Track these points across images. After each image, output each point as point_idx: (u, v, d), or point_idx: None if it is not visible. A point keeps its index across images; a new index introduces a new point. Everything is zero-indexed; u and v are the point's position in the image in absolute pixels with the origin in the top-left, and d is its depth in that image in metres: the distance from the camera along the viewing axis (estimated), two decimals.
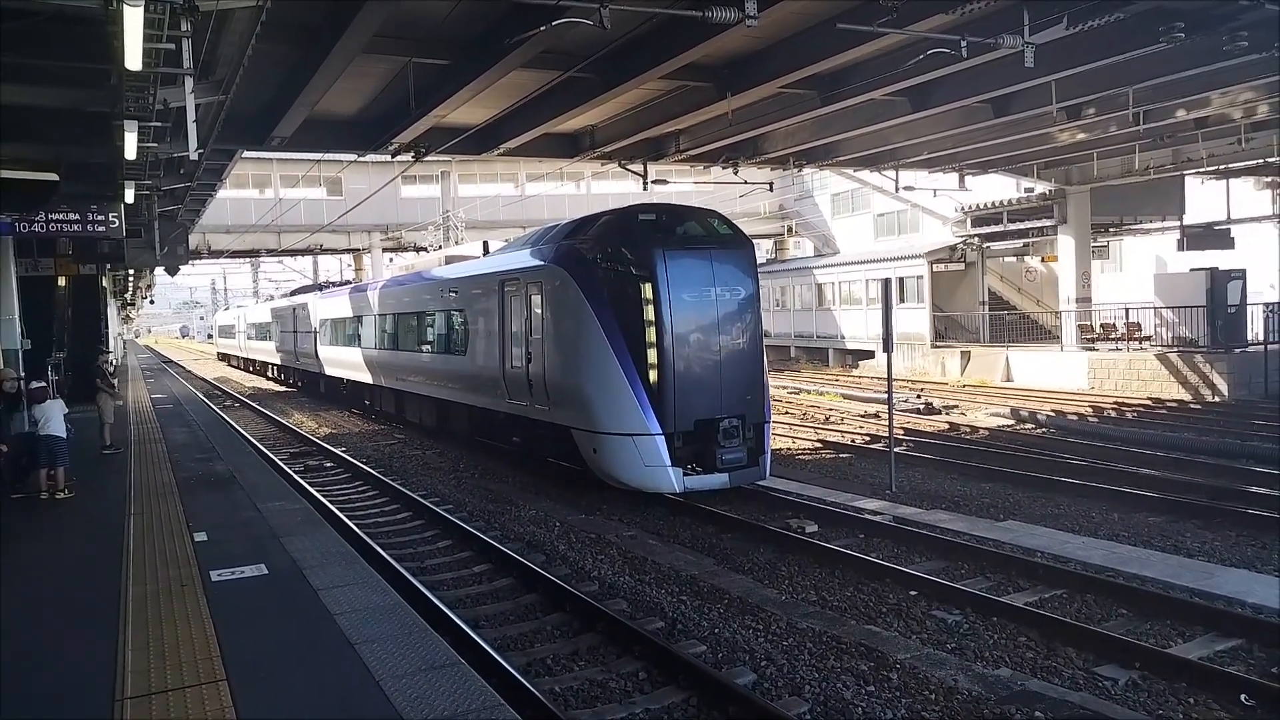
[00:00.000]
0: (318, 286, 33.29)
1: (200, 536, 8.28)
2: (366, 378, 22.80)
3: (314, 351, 28.13)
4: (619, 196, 36.53)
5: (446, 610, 7.57)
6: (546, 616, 7.90)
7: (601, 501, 12.08)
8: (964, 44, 11.63)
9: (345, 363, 24.67)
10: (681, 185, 31.10)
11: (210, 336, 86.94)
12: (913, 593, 8.17)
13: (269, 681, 4.92)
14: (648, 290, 11.20)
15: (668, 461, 10.90)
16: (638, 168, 20.75)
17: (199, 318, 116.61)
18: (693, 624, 7.55)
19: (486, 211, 38.27)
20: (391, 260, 39.84)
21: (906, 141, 20.48)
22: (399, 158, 17.89)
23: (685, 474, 11.00)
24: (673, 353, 11.07)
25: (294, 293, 35.38)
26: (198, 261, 42.87)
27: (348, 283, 31.52)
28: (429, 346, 18.06)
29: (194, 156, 12.79)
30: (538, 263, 13.03)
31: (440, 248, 34.55)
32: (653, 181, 20.69)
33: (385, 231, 40.30)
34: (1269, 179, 28.15)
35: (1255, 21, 12.44)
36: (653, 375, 11.08)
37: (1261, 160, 22.53)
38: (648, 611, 7.90)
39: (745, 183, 22.54)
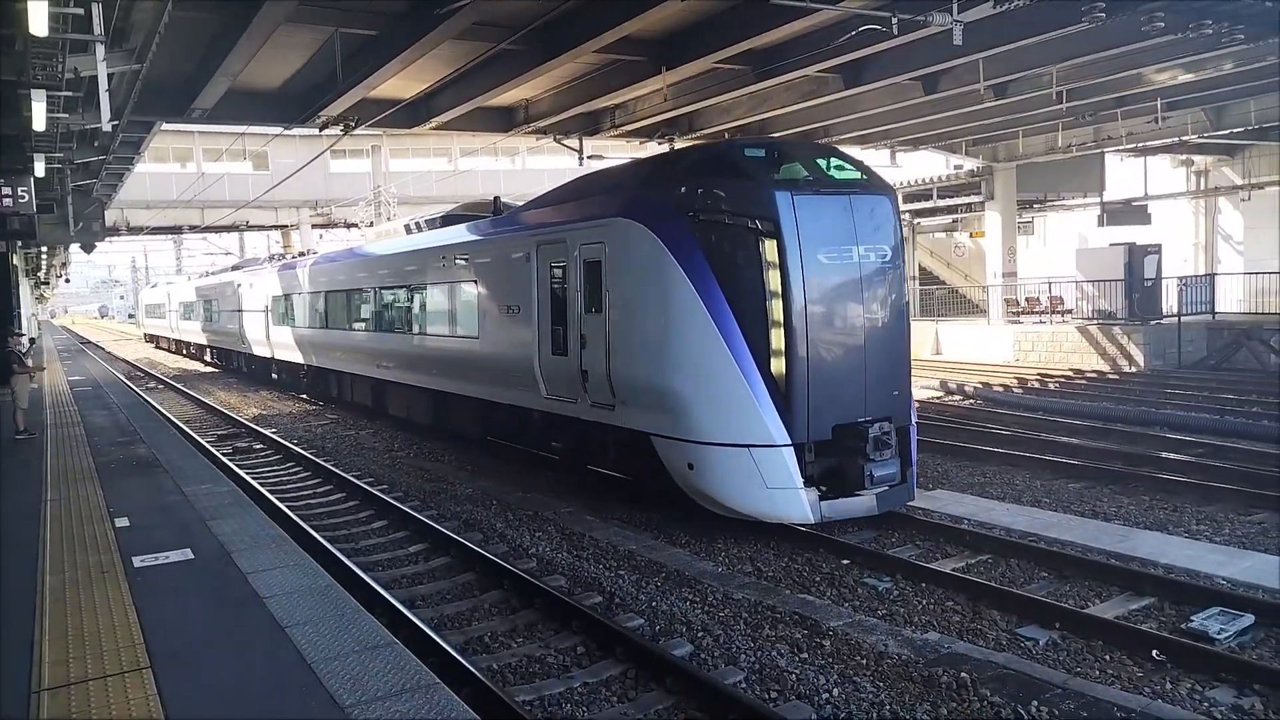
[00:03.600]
0: (268, 258, 29.07)
1: (121, 522, 8.01)
2: (335, 364, 19.82)
3: (264, 334, 24.65)
4: (554, 172, 36.22)
5: (382, 590, 7.49)
6: (484, 595, 7.88)
7: (540, 479, 12.04)
8: (895, 21, 11.76)
9: (306, 346, 21.47)
10: (619, 160, 30.95)
11: (132, 316, 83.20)
12: (845, 561, 8.35)
13: (196, 667, 4.80)
14: (770, 249, 8.52)
15: (799, 481, 8.45)
16: (573, 142, 20.59)
17: (119, 297, 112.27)
18: (631, 598, 7.60)
19: (420, 186, 37.58)
20: (321, 237, 38.89)
21: (840, 118, 20.70)
22: (327, 131, 17.45)
23: (820, 497, 8.58)
24: (806, 335, 8.49)
25: (237, 266, 31.61)
26: (116, 238, 41.32)
27: (308, 253, 26.81)
28: (425, 327, 15.02)
29: (107, 128, 12.27)
30: (597, 217, 10.03)
31: (371, 224, 33.77)
32: (588, 157, 20.54)
33: (314, 207, 39.33)
34: (1184, 156, 29.24)
35: (1171, 3, 12.84)
36: (777, 365, 8.50)
37: (1177, 138, 23.35)
38: (586, 587, 7.93)
39: None
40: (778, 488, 8.48)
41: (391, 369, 16.58)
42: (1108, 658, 6.27)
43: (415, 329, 15.37)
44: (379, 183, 37.42)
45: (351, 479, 12.20)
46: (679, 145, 21.70)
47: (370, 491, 11.45)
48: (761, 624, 6.93)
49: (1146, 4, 12.75)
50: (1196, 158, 29.63)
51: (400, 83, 15.42)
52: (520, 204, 13.63)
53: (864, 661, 6.19)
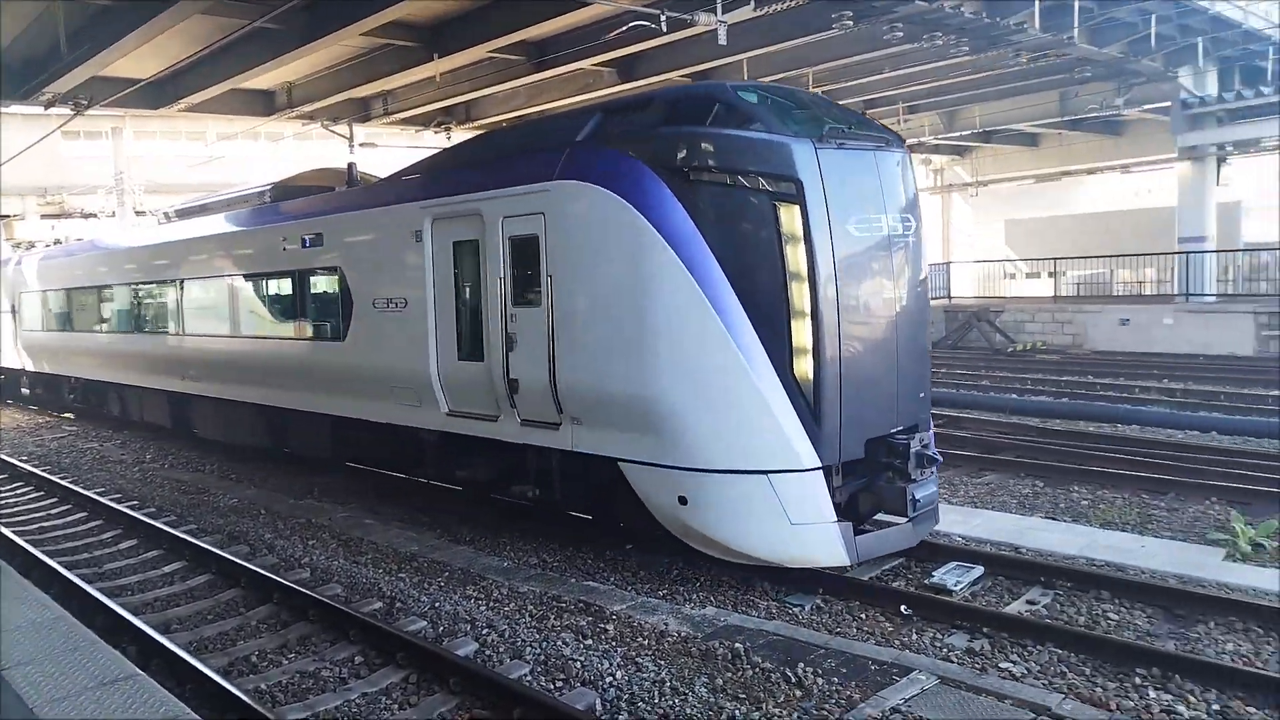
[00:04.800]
0: (15, 247, 24.06)
1: None
2: (120, 376, 16.05)
3: (12, 340, 20.48)
4: (320, 159, 34.36)
5: (129, 616, 6.81)
6: (251, 611, 7.35)
7: (313, 484, 11.41)
8: (663, 18, 12.12)
9: (76, 355, 17.67)
10: (394, 149, 29.87)
11: None
12: (628, 546, 8.52)
13: None
14: (790, 218, 6.74)
15: (831, 514, 6.79)
16: (343, 129, 19.64)
17: None
18: (413, 600, 7.37)
19: (170, 173, 34.43)
20: (54, 228, 34.69)
21: None
22: (55, 110, 15.58)
23: (855, 532, 6.98)
24: (838, 327, 6.81)
25: None
26: None
27: (62, 242, 22.25)
28: (257, 329, 12.05)
29: None
30: (530, 179, 7.78)
31: (114, 214, 30.58)
32: (360, 145, 19.67)
33: (43, 194, 35.01)
34: (924, 156, 32.33)
35: (909, 14, 14.11)
36: (801, 367, 6.74)
37: (917, 139, 25.75)
38: (365, 594, 7.60)
39: None
40: (805, 523, 6.74)
41: (204, 381, 13.40)
42: (864, 616, 6.80)
43: (241, 331, 12.36)
44: (121, 168, 33.89)
45: (93, 496, 11.00)
46: (457, 136, 21.26)
47: (116, 508, 10.36)
48: (547, 615, 6.94)
49: (887, 15, 13.92)
50: (934, 157, 32.85)
51: (141, 59, 14.07)
52: (397, 170, 10.63)
53: (646, 642, 6.35)
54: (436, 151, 10.54)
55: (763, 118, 7.08)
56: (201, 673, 5.80)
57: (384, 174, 10.97)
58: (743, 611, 6.95)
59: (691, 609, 6.98)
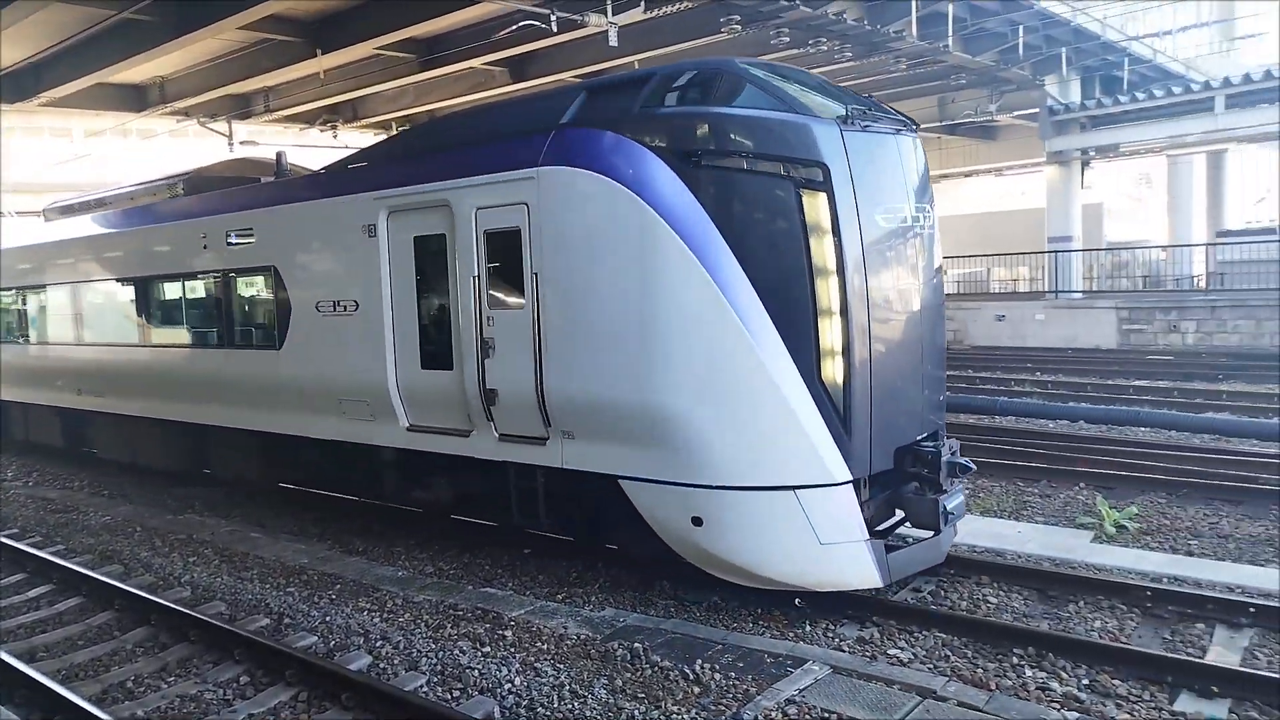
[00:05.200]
0: None
1: None
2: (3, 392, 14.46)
3: None
4: (201, 157, 32.90)
5: None
6: (126, 634, 6.98)
7: (193, 498, 10.91)
8: (554, 18, 12.09)
9: None
10: (278, 148, 28.78)
11: None
12: (526, 551, 8.45)
13: None
14: (815, 208, 6.19)
15: (863, 531, 6.30)
16: (222, 126, 18.87)
17: None
18: (303, 615, 7.13)
19: (33, 172, 32.35)
20: None
21: None
22: None
23: (887, 549, 6.51)
24: (869, 326, 6.29)
25: None
26: None
27: None
28: (174, 337, 10.81)
29: None
30: (511, 165, 6.99)
31: None
32: (240, 143, 18.94)
33: None
34: None
35: (794, 20, 14.47)
36: (830, 371, 6.19)
37: None
38: (250, 610, 7.31)
39: (346, 148, 21.48)
40: (835, 543, 6.22)
41: (106, 396, 11.99)
42: (759, 610, 6.93)
43: (152, 339, 11.09)
44: None
45: None
46: (343, 134, 20.69)
47: None
48: (444, 624, 6.82)
49: (774, 20, 14.24)
50: None
51: None
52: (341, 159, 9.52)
53: (545, 646, 6.31)
54: (390, 136, 9.86)
55: (780, 96, 6.49)
56: (72, 702, 5.47)
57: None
58: (641, 611, 6.99)
59: (591, 611, 6.98)
